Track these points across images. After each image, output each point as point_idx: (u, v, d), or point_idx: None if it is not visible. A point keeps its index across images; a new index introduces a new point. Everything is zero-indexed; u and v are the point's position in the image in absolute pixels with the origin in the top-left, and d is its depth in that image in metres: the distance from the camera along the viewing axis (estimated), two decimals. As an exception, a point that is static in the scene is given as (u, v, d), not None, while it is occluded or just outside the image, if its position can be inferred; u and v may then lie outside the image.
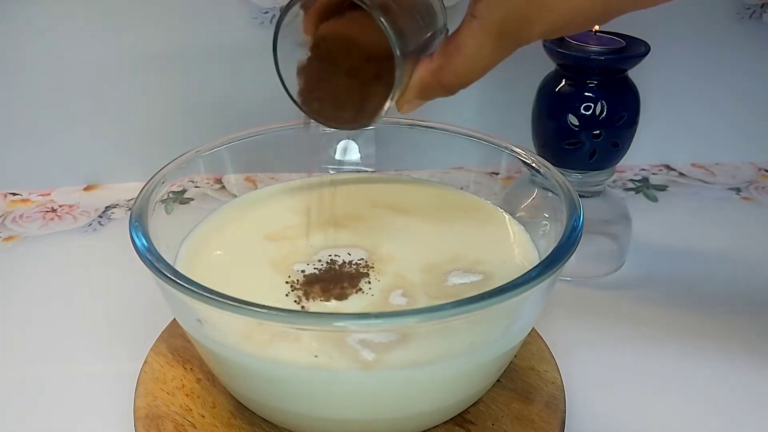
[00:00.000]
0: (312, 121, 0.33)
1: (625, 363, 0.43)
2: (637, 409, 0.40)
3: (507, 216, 0.43)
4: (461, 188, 0.46)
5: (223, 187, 0.46)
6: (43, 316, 0.48)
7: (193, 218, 0.42)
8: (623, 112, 0.47)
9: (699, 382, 0.42)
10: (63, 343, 0.45)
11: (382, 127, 0.47)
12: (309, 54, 0.31)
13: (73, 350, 0.45)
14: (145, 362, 0.40)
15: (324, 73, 0.31)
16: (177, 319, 0.36)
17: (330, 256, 0.38)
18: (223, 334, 0.31)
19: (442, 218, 0.43)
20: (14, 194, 0.65)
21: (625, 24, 0.50)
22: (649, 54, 0.46)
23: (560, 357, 0.40)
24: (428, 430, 0.35)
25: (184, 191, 0.42)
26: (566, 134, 0.48)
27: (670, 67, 0.64)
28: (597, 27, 0.49)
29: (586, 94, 0.47)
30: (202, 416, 0.36)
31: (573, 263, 0.46)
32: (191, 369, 0.39)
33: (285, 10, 0.29)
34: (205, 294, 0.28)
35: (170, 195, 0.40)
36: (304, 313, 0.32)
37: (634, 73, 0.48)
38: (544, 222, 0.39)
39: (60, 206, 0.63)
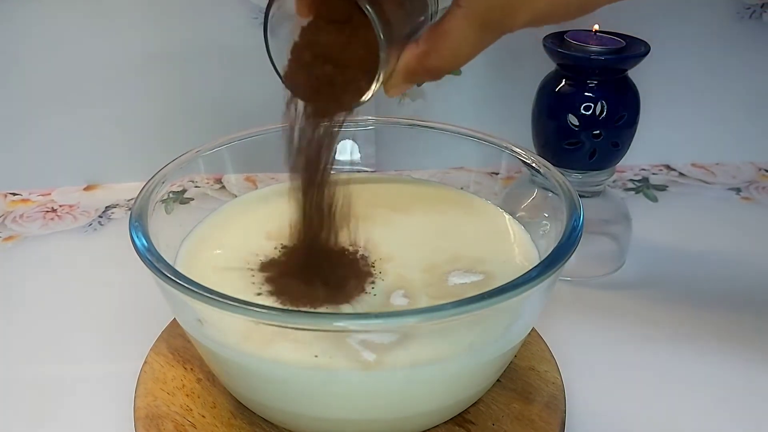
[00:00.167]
0: (299, 101, 0.33)
1: (626, 363, 0.43)
2: (637, 409, 0.40)
3: (507, 216, 0.43)
4: (461, 188, 0.46)
5: (223, 187, 0.46)
6: (43, 316, 0.48)
7: (193, 218, 0.42)
8: (623, 112, 0.47)
9: (699, 381, 0.42)
10: (63, 343, 0.45)
11: (382, 127, 0.47)
12: (298, 36, 0.31)
13: (73, 350, 0.45)
14: (145, 362, 0.40)
15: (312, 55, 0.31)
16: (177, 319, 0.36)
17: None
18: (223, 334, 0.31)
19: (442, 218, 0.43)
20: (14, 194, 0.65)
21: (625, 24, 0.50)
22: (649, 54, 0.46)
23: (560, 357, 0.40)
24: (428, 430, 0.35)
25: (184, 191, 0.42)
26: (566, 134, 0.48)
27: (670, 67, 0.64)
28: (597, 27, 0.49)
29: (586, 94, 0.47)
30: (203, 416, 0.36)
31: (573, 263, 0.46)
32: (191, 369, 0.39)
33: None
34: (205, 294, 0.28)
35: (170, 195, 0.40)
36: (304, 313, 0.32)
37: (634, 73, 0.48)
38: (544, 222, 0.39)
39: (60, 206, 0.63)
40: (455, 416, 0.36)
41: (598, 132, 0.47)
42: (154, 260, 0.31)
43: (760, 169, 0.69)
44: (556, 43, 0.48)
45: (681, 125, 0.68)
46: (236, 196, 0.45)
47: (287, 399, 0.32)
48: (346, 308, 0.33)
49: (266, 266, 0.37)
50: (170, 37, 0.60)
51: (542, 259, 0.32)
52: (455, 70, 0.31)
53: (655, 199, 0.64)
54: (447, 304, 0.28)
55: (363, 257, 0.38)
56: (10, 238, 0.58)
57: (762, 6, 0.63)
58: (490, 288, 0.28)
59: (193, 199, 0.44)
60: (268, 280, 0.36)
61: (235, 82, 0.63)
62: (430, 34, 0.29)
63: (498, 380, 0.37)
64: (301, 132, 0.33)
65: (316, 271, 0.35)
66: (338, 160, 0.48)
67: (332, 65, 0.31)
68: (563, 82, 0.48)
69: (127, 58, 0.61)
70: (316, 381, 0.30)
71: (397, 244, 0.39)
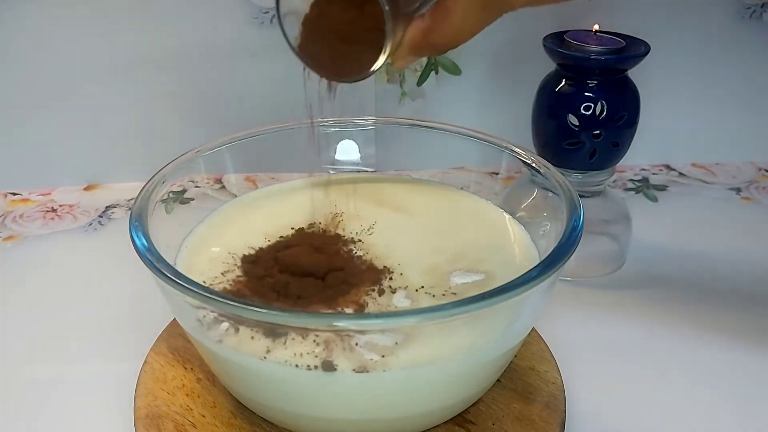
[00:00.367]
0: (311, 72, 0.34)
1: (626, 363, 0.43)
2: (637, 409, 0.40)
3: (507, 216, 0.43)
4: (461, 188, 0.46)
5: (223, 186, 0.46)
6: (43, 316, 0.48)
7: (194, 218, 0.42)
8: (623, 112, 0.47)
9: (699, 381, 0.42)
10: (63, 343, 0.45)
11: (382, 127, 0.47)
12: (309, 7, 0.32)
13: (73, 350, 0.45)
14: (146, 362, 0.40)
15: (323, 26, 0.32)
16: (177, 319, 0.36)
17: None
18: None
19: (442, 218, 0.43)
20: (14, 194, 0.65)
21: (625, 24, 0.50)
22: (649, 54, 0.46)
23: (560, 357, 0.40)
24: (428, 430, 0.35)
25: (184, 191, 0.42)
26: (566, 134, 0.48)
27: (670, 67, 0.64)
28: (597, 27, 0.49)
29: (586, 94, 0.47)
30: (203, 416, 0.36)
31: (573, 263, 0.46)
32: (191, 369, 0.39)
33: None
34: (205, 294, 0.28)
35: (170, 195, 0.40)
36: (304, 312, 0.32)
37: (634, 73, 0.48)
38: (544, 222, 0.39)
39: (60, 206, 0.63)
40: (455, 416, 0.36)
41: (598, 132, 0.47)
42: (154, 260, 0.31)
43: (760, 169, 0.69)
44: (556, 43, 0.48)
45: (681, 125, 0.68)
46: (236, 196, 0.45)
47: (287, 399, 0.32)
48: (348, 310, 0.33)
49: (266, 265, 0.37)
50: (171, 37, 0.60)
51: (542, 259, 0.32)
52: (455, 47, 0.32)
53: (655, 199, 0.64)
54: (447, 304, 0.28)
55: (364, 258, 0.38)
56: (10, 238, 0.58)
57: (762, 6, 0.63)
58: (491, 288, 0.28)
59: (193, 199, 0.44)
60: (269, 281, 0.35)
61: (235, 82, 0.63)
62: (434, 11, 0.30)
63: (498, 380, 0.37)
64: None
65: (317, 272, 0.35)
66: (338, 160, 0.48)
67: (342, 37, 0.32)
68: (563, 82, 0.48)
69: (127, 58, 0.61)
70: (317, 381, 0.30)
71: (398, 245, 0.39)
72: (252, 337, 0.31)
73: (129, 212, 0.43)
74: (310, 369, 0.29)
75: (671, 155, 0.70)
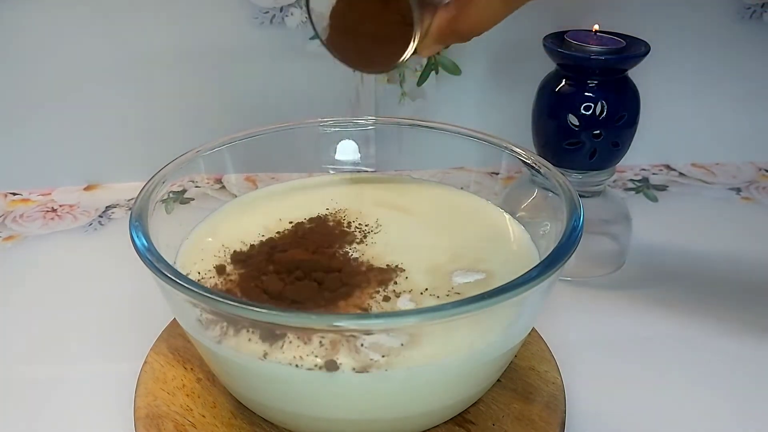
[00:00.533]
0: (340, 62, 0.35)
1: (626, 363, 0.43)
2: (637, 409, 0.40)
3: (507, 216, 0.43)
4: (461, 188, 0.46)
5: (223, 187, 0.46)
6: (43, 316, 0.48)
7: (194, 218, 0.42)
8: (623, 112, 0.47)
9: (699, 381, 0.42)
10: (63, 343, 0.45)
11: (382, 127, 0.47)
12: (336, 1, 0.33)
13: (73, 350, 0.45)
14: (146, 362, 0.40)
15: (350, 20, 0.33)
16: (177, 319, 0.36)
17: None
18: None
19: (442, 218, 0.43)
20: (14, 194, 0.65)
21: (625, 24, 0.50)
22: (649, 54, 0.46)
23: (560, 357, 0.40)
24: (428, 430, 0.35)
25: (184, 191, 0.42)
26: (566, 134, 0.48)
27: (670, 67, 0.64)
28: (597, 27, 0.49)
29: (586, 94, 0.47)
30: (203, 416, 0.36)
31: (573, 263, 0.46)
32: (191, 369, 0.39)
33: None
34: (205, 294, 0.28)
35: (170, 195, 0.40)
36: (303, 312, 0.32)
37: (634, 73, 0.48)
38: (544, 222, 0.39)
39: (60, 206, 0.63)
40: (455, 416, 0.36)
41: (598, 132, 0.47)
42: (154, 260, 0.31)
43: (760, 169, 0.69)
44: (556, 43, 0.48)
45: (681, 125, 0.68)
46: (236, 196, 0.45)
47: (287, 399, 0.32)
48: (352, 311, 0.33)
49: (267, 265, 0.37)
50: (171, 37, 0.60)
51: (542, 259, 0.32)
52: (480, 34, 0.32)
53: (655, 199, 0.64)
54: (447, 304, 0.28)
55: (364, 258, 0.37)
56: (10, 238, 0.58)
57: (762, 6, 0.63)
58: (492, 287, 0.28)
59: (193, 199, 0.44)
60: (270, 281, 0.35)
61: (235, 82, 0.63)
62: (457, 1, 0.31)
63: (498, 380, 0.37)
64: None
65: (318, 273, 0.35)
66: (338, 161, 0.48)
67: (369, 30, 0.33)
68: (563, 82, 0.48)
69: (127, 58, 0.61)
70: (317, 381, 0.30)
71: (399, 245, 0.39)
72: (249, 339, 0.31)
73: (129, 212, 0.43)
74: (310, 369, 0.29)
75: (671, 155, 0.70)
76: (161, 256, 0.31)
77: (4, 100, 0.61)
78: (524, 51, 0.59)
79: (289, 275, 0.34)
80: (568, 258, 0.31)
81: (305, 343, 0.30)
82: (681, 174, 0.68)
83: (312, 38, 0.61)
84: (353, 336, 0.30)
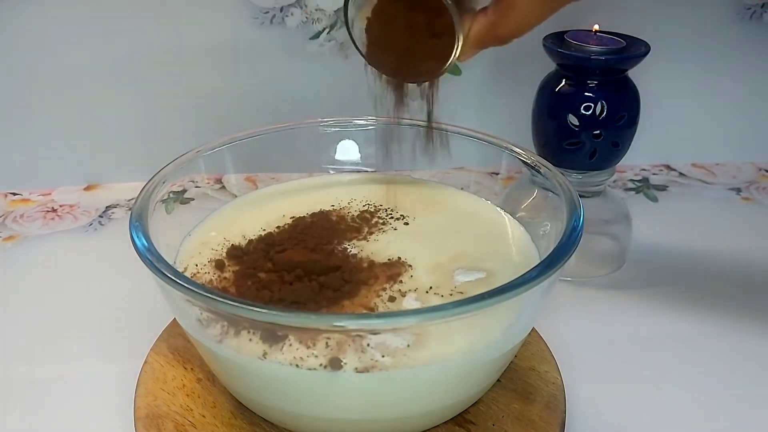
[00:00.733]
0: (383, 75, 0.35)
1: (626, 363, 0.43)
2: (637, 410, 0.40)
3: (507, 216, 0.43)
4: (461, 188, 0.46)
5: (223, 187, 0.46)
6: (43, 316, 0.48)
7: (194, 218, 0.42)
8: (623, 112, 0.47)
9: (699, 381, 0.42)
10: (63, 343, 0.45)
11: (382, 127, 0.47)
12: (371, 14, 0.33)
13: (73, 350, 0.45)
14: (146, 362, 0.40)
15: (387, 33, 0.33)
16: (177, 319, 0.36)
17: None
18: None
19: (442, 218, 0.43)
20: (15, 194, 0.65)
21: (625, 24, 0.50)
22: (649, 54, 0.46)
23: (560, 357, 0.40)
24: (428, 430, 0.35)
25: (184, 191, 0.42)
26: (566, 134, 0.48)
27: (670, 67, 0.64)
28: (597, 27, 0.49)
29: (586, 94, 0.47)
30: (203, 416, 0.36)
31: (573, 263, 0.46)
32: (191, 369, 0.39)
33: None
34: (205, 294, 0.28)
35: (170, 195, 0.40)
36: (303, 312, 0.32)
37: (634, 73, 0.48)
38: (545, 222, 0.39)
39: (60, 206, 0.63)
40: (455, 416, 0.36)
41: (598, 132, 0.47)
42: (154, 260, 0.31)
43: (760, 169, 0.69)
44: (556, 43, 0.48)
45: (681, 125, 0.68)
46: (236, 196, 0.45)
47: (287, 399, 0.32)
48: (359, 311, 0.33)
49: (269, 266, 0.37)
50: (171, 37, 0.60)
51: (542, 259, 0.32)
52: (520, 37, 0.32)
53: (655, 199, 0.64)
54: (447, 304, 0.28)
55: (363, 254, 0.37)
56: (10, 238, 0.58)
57: (762, 6, 0.63)
58: (493, 286, 0.28)
59: (193, 199, 0.44)
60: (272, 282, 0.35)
61: (235, 82, 0.63)
62: (497, 6, 0.31)
63: (498, 380, 0.37)
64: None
65: (318, 273, 0.35)
66: (338, 161, 0.48)
67: (407, 42, 0.33)
68: (563, 82, 0.48)
69: (127, 59, 0.61)
70: (316, 381, 0.30)
71: (399, 243, 0.39)
72: (250, 339, 0.31)
73: (129, 212, 0.43)
74: (311, 369, 0.29)
75: (671, 155, 0.70)
76: (161, 256, 0.31)
77: (4, 100, 0.61)
78: (524, 51, 0.59)
79: (288, 274, 0.34)
80: (568, 258, 0.31)
81: (308, 347, 0.30)
82: (681, 174, 0.68)
83: (312, 38, 0.61)
84: (359, 336, 0.30)
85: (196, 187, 0.43)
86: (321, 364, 0.29)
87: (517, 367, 0.39)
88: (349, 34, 0.33)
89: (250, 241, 0.39)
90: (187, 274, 0.36)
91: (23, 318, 0.48)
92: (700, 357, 0.44)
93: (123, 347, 0.44)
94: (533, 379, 0.39)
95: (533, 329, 0.41)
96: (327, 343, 0.30)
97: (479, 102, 0.65)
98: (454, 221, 0.43)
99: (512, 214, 0.43)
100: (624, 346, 0.45)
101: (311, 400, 0.32)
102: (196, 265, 0.37)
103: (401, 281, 0.35)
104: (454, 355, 0.30)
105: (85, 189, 0.65)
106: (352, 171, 0.48)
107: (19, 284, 0.52)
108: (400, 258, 0.37)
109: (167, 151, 0.42)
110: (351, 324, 0.28)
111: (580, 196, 0.36)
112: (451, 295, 0.34)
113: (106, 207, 0.62)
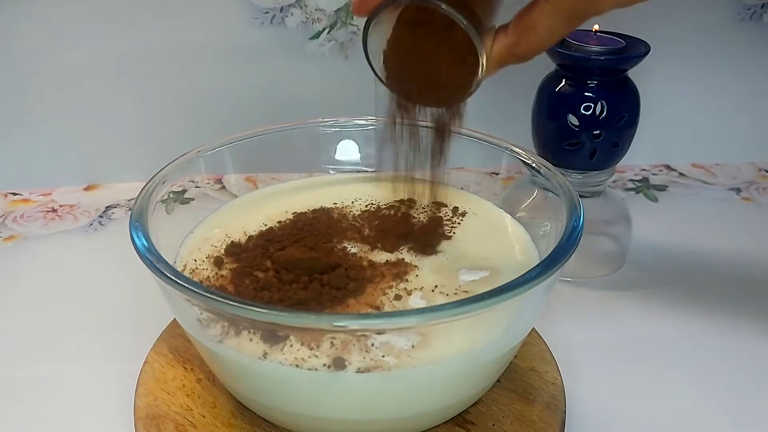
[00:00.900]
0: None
1: (626, 363, 0.43)
2: (637, 410, 0.40)
3: (507, 216, 0.43)
4: (461, 188, 0.46)
5: (223, 187, 0.46)
6: (43, 316, 0.48)
7: (194, 218, 0.42)
8: (623, 112, 0.47)
9: (699, 381, 0.42)
10: (63, 343, 0.45)
11: (383, 127, 0.47)
12: (388, 43, 0.33)
13: (73, 350, 0.45)
14: (146, 362, 0.40)
15: (407, 61, 0.33)
16: (177, 319, 0.36)
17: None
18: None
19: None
20: (15, 194, 0.65)
21: (625, 24, 0.50)
22: (649, 54, 0.46)
23: (561, 357, 0.40)
24: (428, 430, 0.35)
25: (184, 191, 0.42)
26: (566, 134, 0.48)
27: (670, 67, 0.64)
28: (597, 27, 0.49)
29: (586, 94, 0.47)
30: (203, 416, 0.36)
31: (573, 263, 0.46)
32: (192, 369, 0.39)
33: (377, 10, 0.30)
34: (205, 294, 0.28)
35: (171, 195, 0.40)
36: (303, 312, 0.32)
37: (634, 73, 0.48)
38: (544, 222, 0.39)
39: (60, 206, 0.63)
40: (455, 416, 0.36)
41: (598, 132, 0.47)
42: (154, 260, 0.31)
43: (760, 170, 0.69)
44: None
45: (681, 125, 0.68)
46: (236, 196, 0.45)
47: (287, 399, 0.32)
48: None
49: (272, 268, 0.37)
50: (171, 37, 0.60)
51: (542, 259, 0.32)
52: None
53: (655, 199, 0.64)
54: (447, 304, 0.28)
55: (368, 259, 0.37)
56: (10, 238, 0.58)
57: (762, 6, 0.63)
58: (498, 284, 0.28)
59: (193, 199, 0.44)
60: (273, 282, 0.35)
61: (235, 82, 0.63)
62: (517, 25, 0.31)
63: (498, 381, 0.38)
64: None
65: (321, 273, 0.35)
66: (338, 161, 0.48)
67: (427, 69, 0.32)
68: (563, 82, 0.48)
69: (128, 59, 0.61)
70: (317, 381, 0.30)
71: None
72: (250, 339, 0.31)
73: (129, 212, 0.43)
74: (311, 369, 0.29)
75: (671, 155, 0.70)
76: (161, 256, 0.31)
77: (4, 100, 0.61)
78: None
79: (288, 272, 0.34)
80: (568, 258, 0.31)
81: (310, 348, 0.30)
82: (681, 174, 0.68)
83: (312, 38, 0.61)
84: (364, 335, 0.30)
85: (197, 187, 0.43)
86: (324, 364, 0.29)
87: (517, 368, 0.39)
88: (370, 65, 0.33)
89: (250, 237, 0.39)
90: (186, 271, 0.36)
91: (23, 318, 0.48)
92: (700, 357, 0.44)
93: (123, 347, 0.44)
94: (533, 380, 0.39)
95: (533, 329, 0.41)
96: (332, 342, 0.30)
97: (479, 102, 0.65)
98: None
99: (512, 214, 0.43)
100: (624, 346, 0.45)
101: (312, 401, 0.32)
102: (195, 260, 0.37)
103: (407, 279, 0.35)
104: (454, 355, 0.30)
105: (85, 189, 0.65)
106: (352, 171, 0.48)
107: (19, 284, 0.52)
108: (403, 259, 0.37)
109: (167, 151, 0.42)
110: (351, 324, 0.28)
111: (580, 196, 0.36)
112: (456, 293, 0.34)
113: (106, 207, 0.62)
